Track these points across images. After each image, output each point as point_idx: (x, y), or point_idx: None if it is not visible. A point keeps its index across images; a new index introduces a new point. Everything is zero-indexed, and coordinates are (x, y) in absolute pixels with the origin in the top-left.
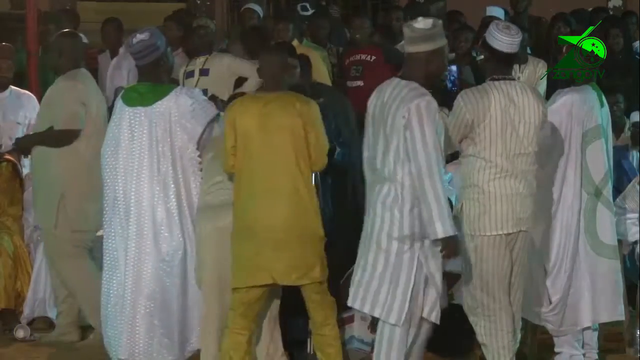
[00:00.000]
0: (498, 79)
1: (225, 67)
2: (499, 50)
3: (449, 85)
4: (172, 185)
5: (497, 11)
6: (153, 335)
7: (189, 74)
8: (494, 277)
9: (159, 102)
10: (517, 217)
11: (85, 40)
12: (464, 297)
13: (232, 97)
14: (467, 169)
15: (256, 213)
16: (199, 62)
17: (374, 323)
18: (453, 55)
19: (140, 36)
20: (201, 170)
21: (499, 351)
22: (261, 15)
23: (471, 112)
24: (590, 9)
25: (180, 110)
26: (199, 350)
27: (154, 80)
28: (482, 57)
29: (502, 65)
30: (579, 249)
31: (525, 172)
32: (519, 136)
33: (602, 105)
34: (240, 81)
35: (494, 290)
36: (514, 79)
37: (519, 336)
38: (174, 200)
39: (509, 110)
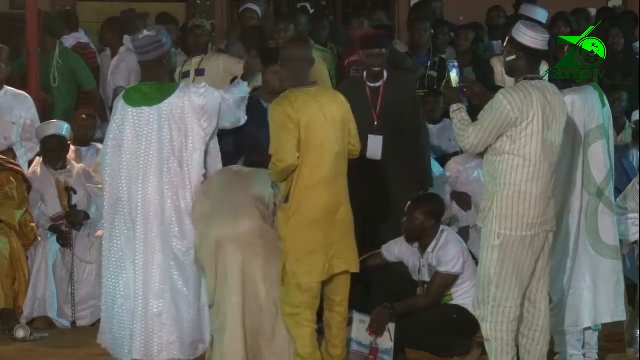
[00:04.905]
0: (532, 78)
1: (221, 67)
2: (532, 47)
3: (456, 81)
4: (188, 184)
5: (535, 11)
6: (162, 335)
7: (185, 74)
8: (513, 276)
9: (166, 101)
10: (545, 217)
11: (85, 40)
12: (475, 290)
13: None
14: (503, 166)
15: (323, 203)
16: (194, 63)
17: (372, 326)
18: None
19: (146, 32)
20: (204, 175)
21: (503, 348)
22: (260, 15)
23: (516, 111)
24: (596, 10)
25: (194, 109)
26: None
27: (156, 80)
28: (513, 57)
29: (533, 64)
30: (579, 249)
31: (553, 172)
32: (551, 136)
33: (603, 105)
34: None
35: (509, 289)
36: (542, 79)
37: (548, 338)
38: (189, 198)
39: (546, 109)
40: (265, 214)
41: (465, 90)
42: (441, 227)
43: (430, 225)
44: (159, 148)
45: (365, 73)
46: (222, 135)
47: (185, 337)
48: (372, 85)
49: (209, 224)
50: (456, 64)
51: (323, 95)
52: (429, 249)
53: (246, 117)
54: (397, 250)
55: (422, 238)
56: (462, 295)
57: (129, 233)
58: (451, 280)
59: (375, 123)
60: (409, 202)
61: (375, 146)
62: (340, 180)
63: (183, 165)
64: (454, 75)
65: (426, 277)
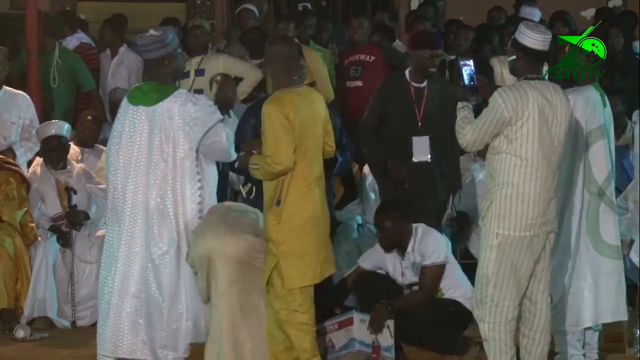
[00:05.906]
0: (532, 78)
1: (221, 67)
2: (532, 48)
3: (467, 80)
4: (169, 191)
5: (532, 12)
6: (137, 334)
7: (185, 75)
8: (511, 276)
9: (160, 103)
10: (545, 218)
11: (86, 40)
12: (474, 289)
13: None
14: (501, 166)
15: (315, 204)
16: (194, 63)
17: (372, 324)
18: (454, 56)
19: (153, 31)
20: (199, 180)
21: (501, 348)
22: (257, 15)
23: (510, 110)
24: (596, 10)
25: (184, 117)
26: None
27: (157, 79)
28: (514, 57)
29: (534, 64)
30: (580, 249)
31: (555, 172)
32: (551, 135)
33: (604, 105)
34: (235, 81)
35: (507, 289)
36: (544, 79)
37: (549, 338)
38: (168, 205)
39: (545, 109)
40: (261, 235)
41: (480, 89)
42: (414, 225)
43: (402, 228)
44: (148, 149)
45: (408, 72)
46: (239, 133)
47: (156, 341)
48: (416, 85)
49: (201, 234)
50: (468, 62)
51: (310, 96)
52: (409, 248)
53: (234, 156)
54: (374, 258)
55: (400, 243)
56: (451, 289)
57: (120, 230)
58: (440, 271)
59: (420, 124)
60: (375, 216)
61: (423, 147)
62: (323, 180)
63: (169, 169)
64: (465, 74)
65: (412, 278)
